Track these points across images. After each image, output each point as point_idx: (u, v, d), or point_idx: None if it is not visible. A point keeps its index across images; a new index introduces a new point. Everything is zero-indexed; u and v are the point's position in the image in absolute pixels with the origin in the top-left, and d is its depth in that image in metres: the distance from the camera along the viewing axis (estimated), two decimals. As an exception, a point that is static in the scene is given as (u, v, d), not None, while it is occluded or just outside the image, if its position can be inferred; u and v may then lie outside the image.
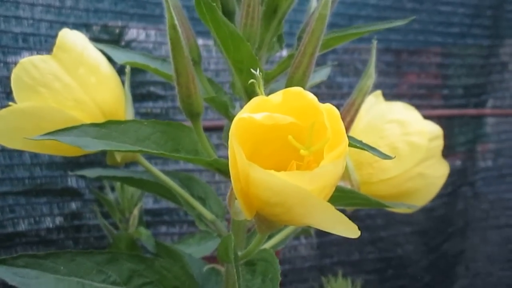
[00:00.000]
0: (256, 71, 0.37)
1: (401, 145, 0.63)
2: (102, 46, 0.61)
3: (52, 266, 0.56)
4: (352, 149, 0.63)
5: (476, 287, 1.57)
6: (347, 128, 0.58)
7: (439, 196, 1.44)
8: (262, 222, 0.40)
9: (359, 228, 0.32)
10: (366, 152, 0.48)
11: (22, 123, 0.54)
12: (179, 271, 0.64)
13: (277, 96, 0.34)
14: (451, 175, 1.41)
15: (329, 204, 0.32)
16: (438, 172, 0.68)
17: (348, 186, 0.64)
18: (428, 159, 0.65)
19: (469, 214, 1.54)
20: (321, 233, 1.26)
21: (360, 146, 0.44)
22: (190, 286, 0.64)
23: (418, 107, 1.33)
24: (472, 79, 1.38)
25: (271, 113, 0.33)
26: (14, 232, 0.93)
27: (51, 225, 0.96)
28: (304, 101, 0.34)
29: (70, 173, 0.94)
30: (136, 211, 0.86)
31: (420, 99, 1.35)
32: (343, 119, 0.57)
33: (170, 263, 0.64)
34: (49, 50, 0.91)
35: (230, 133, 0.33)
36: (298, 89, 0.34)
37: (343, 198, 0.57)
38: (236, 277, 0.49)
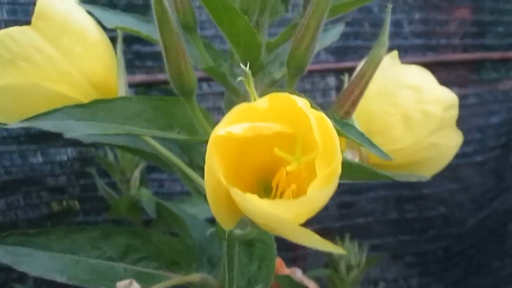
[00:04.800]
0: (251, 57, 0.39)
1: (414, 113, 0.66)
2: (91, 8, 0.62)
3: (44, 243, 0.61)
4: (363, 116, 0.65)
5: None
6: (356, 102, 0.60)
7: (491, 148, 1.42)
8: (253, 223, 0.43)
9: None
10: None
11: (2, 100, 0.57)
12: (177, 244, 0.69)
13: (263, 102, 0.35)
14: (504, 124, 1.39)
15: (306, 230, 0.35)
16: (451, 141, 0.70)
17: (357, 157, 0.66)
18: (442, 129, 0.68)
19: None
20: (355, 191, 1.26)
21: (360, 140, 0.46)
22: (189, 259, 0.69)
23: (469, 47, 1.31)
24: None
25: (254, 124, 0.34)
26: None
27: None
28: (292, 107, 0.35)
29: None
30: (137, 172, 0.88)
31: (472, 38, 1.32)
32: (352, 91, 0.60)
33: (167, 237, 0.69)
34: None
35: (207, 151, 0.34)
36: (285, 94, 0.35)
37: (349, 172, 0.59)
38: (232, 260, 0.54)
